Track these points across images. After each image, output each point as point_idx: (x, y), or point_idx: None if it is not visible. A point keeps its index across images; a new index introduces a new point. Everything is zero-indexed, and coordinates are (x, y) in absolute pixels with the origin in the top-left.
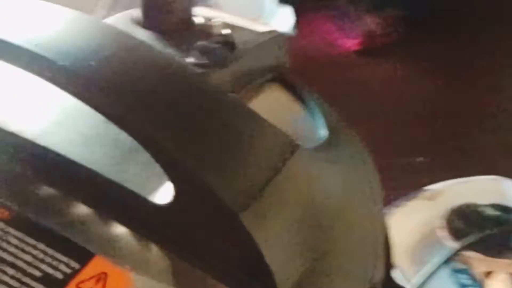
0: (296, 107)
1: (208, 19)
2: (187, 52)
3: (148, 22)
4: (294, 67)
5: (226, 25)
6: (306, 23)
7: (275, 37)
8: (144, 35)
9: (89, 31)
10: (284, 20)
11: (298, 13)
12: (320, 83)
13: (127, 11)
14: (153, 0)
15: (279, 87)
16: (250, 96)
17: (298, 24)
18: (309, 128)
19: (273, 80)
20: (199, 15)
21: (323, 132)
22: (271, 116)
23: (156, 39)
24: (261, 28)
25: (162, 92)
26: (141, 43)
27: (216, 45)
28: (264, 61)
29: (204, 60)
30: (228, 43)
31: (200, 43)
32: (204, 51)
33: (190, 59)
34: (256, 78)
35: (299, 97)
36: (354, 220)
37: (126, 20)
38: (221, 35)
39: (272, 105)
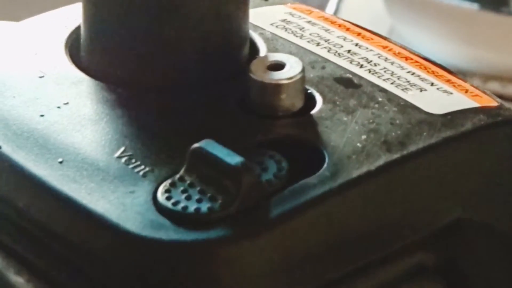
0: None
1: (282, 64)
2: (171, 164)
3: (104, 60)
4: None
5: (334, 84)
6: None
7: (486, 131)
8: (89, 94)
9: None
10: None
11: None
12: None
13: (66, 11)
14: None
15: None
16: None
17: None
18: None
19: (425, 271)
20: (271, 36)
21: None
22: None
23: (116, 107)
24: (452, 99)
25: None
26: None
27: (251, 160)
28: (420, 207)
29: (203, 204)
30: (298, 150)
31: (203, 147)
32: (207, 177)
33: (162, 196)
34: (367, 267)
35: None
36: None
37: (55, 45)
38: (291, 117)
39: None
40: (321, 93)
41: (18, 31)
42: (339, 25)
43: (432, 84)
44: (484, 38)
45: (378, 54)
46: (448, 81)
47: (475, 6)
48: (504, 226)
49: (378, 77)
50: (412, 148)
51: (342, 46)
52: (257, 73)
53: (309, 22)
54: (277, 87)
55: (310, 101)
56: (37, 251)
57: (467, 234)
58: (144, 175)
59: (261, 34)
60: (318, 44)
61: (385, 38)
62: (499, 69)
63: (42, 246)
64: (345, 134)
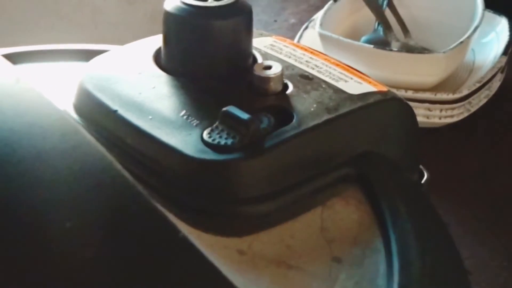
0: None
1: (270, 66)
2: (211, 119)
3: (174, 64)
4: None
5: (299, 78)
6: None
7: (380, 103)
8: (166, 82)
9: None
10: (499, 36)
11: None
12: None
13: (153, 38)
14: (186, 34)
15: (354, 196)
16: (294, 211)
17: None
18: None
19: (348, 178)
20: (264, 53)
21: None
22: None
23: (181, 89)
24: (362, 86)
25: None
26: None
27: (254, 117)
28: (345, 143)
29: (228, 140)
30: (279, 112)
31: (228, 110)
32: (230, 125)
33: (206, 136)
34: (316, 176)
35: (382, 219)
36: None
37: (147, 56)
38: (275, 95)
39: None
40: (292, 82)
41: (125, 50)
42: (301, 48)
43: (351, 78)
44: (377, 65)
45: (322, 62)
46: (361, 77)
47: (371, 46)
48: (392, 156)
49: (322, 74)
50: (341, 111)
51: (303, 58)
52: (257, 71)
53: (285, 45)
54: (268, 79)
55: (285, 86)
56: (138, 167)
57: (372, 159)
58: (196, 125)
59: (258, 52)
60: (290, 57)
61: (325, 55)
62: (389, 83)
63: (141, 164)
64: (304, 104)
